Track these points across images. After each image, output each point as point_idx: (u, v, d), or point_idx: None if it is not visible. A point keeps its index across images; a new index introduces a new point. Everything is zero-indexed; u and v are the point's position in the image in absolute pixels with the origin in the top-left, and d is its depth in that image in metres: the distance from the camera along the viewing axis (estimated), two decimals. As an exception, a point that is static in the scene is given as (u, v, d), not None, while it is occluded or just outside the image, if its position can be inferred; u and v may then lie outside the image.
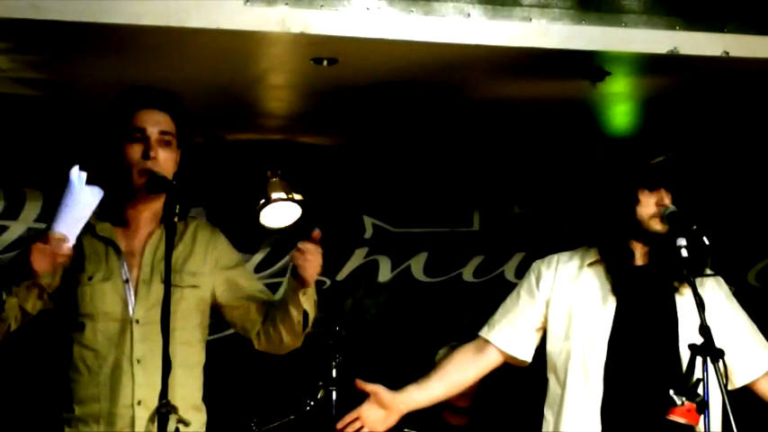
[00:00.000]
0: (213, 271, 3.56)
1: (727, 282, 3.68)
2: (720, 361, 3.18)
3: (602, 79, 4.22)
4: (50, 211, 3.25)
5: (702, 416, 3.22)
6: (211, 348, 3.61)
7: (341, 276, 5.85)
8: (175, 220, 3.30)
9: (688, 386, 3.21)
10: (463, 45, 3.82)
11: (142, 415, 3.37)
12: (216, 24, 3.64)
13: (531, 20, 3.82)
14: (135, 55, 3.95)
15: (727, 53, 3.93)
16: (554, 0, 3.84)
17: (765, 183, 5.79)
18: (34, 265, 3.22)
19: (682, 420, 3.20)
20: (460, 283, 5.96)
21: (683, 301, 3.51)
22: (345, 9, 3.71)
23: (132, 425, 3.38)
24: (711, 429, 3.26)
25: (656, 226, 3.53)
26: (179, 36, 3.71)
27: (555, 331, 3.61)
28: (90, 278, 3.44)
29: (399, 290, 5.92)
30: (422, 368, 3.76)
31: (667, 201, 3.53)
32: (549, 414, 3.61)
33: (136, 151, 3.42)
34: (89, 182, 3.25)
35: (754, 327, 3.67)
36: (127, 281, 3.45)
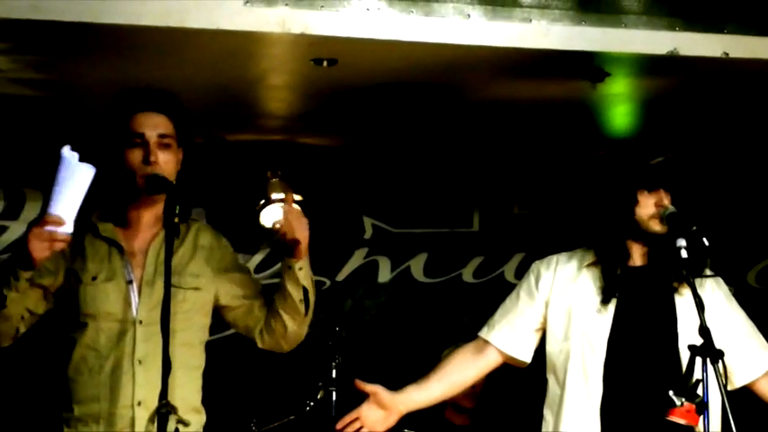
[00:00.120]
0: (215, 273, 3.56)
1: (727, 283, 3.68)
2: (720, 362, 3.18)
3: (602, 80, 4.23)
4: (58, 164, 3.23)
5: (702, 417, 3.22)
6: (212, 349, 3.61)
7: (341, 277, 5.85)
8: (176, 220, 3.30)
9: (687, 387, 3.21)
10: (463, 46, 3.82)
11: (142, 415, 3.37)
12: (216, 25, 3.64)
13: (531, 21, 3.82)
14: (135, 55, 3.95)
15: (727, 54, 3.93)
16: (554, 1, 3.84)
17: (765, 183, 5.79)
18: (33, 254, 3.20)
19: (681, 421, 3.20)
20: (460, 284, 5.96)
21: (683, 301, 3.51)
22: (345, 10, 3.71)
23: (132, 425, 3.37)
24: (711, 430, 3.26)
25: (656, 227, 3.53)
26: (179, 36, 3.71)
27: (554, 332, 3.61)
28: (94, 278, 3.44)
29: (399, 290, 5.92)
30: (421, 368, 3.76)
31: (666, 201, 3.53)
32: (548, 414, 3.61)
33: (136, 156, 3.41)
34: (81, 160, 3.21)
35: (754, 327, 3.67)
36: (130, 281, 3.45)
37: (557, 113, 4.81)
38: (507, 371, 3.75)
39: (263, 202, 5.58)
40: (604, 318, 3.53)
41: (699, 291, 3.32)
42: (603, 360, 3.50)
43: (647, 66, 4.12)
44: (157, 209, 3.45)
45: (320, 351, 4.80)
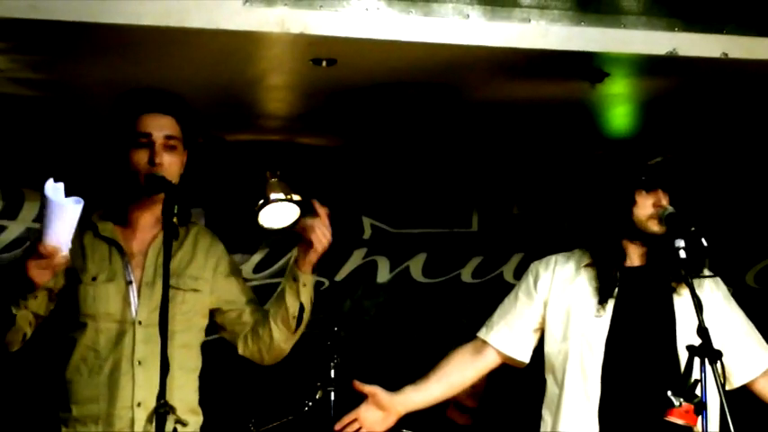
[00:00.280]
0: (212, 276, 3.56)
1: (726, 283, 3.69)
2: (718, 362, 3.19)
3: (601, 80, 4.22)
4: (43, 200, 3.20)
5: (700, 417, 3.22)
6: (211, 349, 3.61)
7: (339, 277, 5.85)
8: (174, 220, 3.30)
9: (686, 387, 3.22)
10: (462, 46, 3.82)
11: (141, 416, 3.37)
12: (215, 25, 3.63)
13: (530, 21, 3.82)
14: (134, 55, 3.95)
15: (726, 54, 3.93)
16: (553, 1, 3.84)
17: (764, 184, 5.79)
18: (35, 280, 3.20)
19: (680, 421, 3.20)
20: (459, 284, 5.96)
21: (681, 301, 3.51)
22: (344, 10, 3.71)
23: (132, 426, 3.37)
24: (709, 430, 3.27)
25: (654, 227, 3.53)
26: (178, 36, 3.71)
27: (553, 332, 3.61)
28: (94, 278, 3.44)
29: (398, 291, 5.92)
30: (420, 369, 3.76)
31: (665, 202, 3.53)
32: (546, 415, 3.61)
33: (142, 157, 3.41)
34: (66, 185, 3.16)
35: (753, 326, 3.67)
36: (130, 282, 3.45)
37: (556, 114, 4.81)
38: (509, 371, 3.75)
39: (261, 202, 5.58)
40: (603, 318, 3.54)
41: (697, 291, 3.33)
42: (602, 360, 3.50)
43: (646, 66, 4.12)
44: (158, 210, 3.44)
45: (319, 351, 4.81)
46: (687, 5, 3.91)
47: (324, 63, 4.03)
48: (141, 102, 3.46)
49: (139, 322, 3.42)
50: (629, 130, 5.04)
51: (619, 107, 4.78)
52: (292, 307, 3.47)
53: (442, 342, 4.93)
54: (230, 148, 5.42)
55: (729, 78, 4.22)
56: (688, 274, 3.37)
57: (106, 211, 3.53)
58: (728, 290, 3.69)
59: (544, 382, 3.64)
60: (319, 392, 4.88)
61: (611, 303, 3.54)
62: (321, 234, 3.42)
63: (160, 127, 3.43)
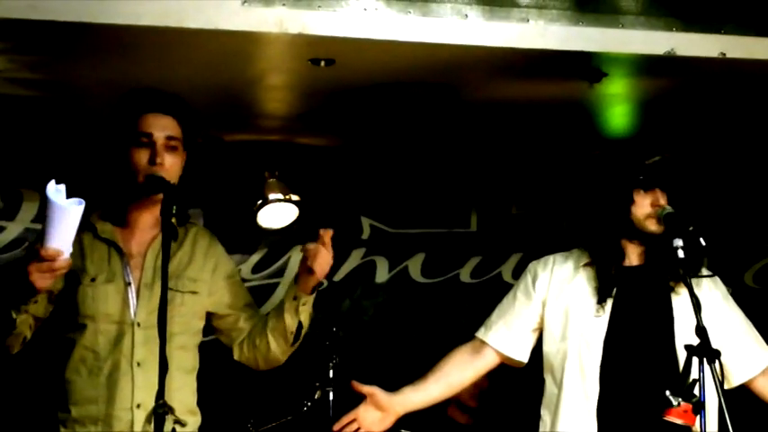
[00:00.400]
0: (211, 278, 3.56)
1: (725, 283, 3.69)
2: (716, 361, 3.19)
3: (599, 80, 4.22)
4: (45, 203, 3.19)
5: (698, 416, 3.23)
6: (209, 349, 3.61)
7: (338, 277, 5.84)
8: (173, 221, 3.30)
9: (684, 387, 3.22)
10: (461, 46, 3.82)
11: (141, 418, 3.38)
12: (214, 25, 3.63)
13: (528, 21, 3.82)
14: (133, 55, 3.95)
15: (725, 54, 3.93)
16: (551, 1, 3.84)
17: (762, 184, 5.79)
18: (36, 285, 3.19)
19: (678, 421, 3.21)
20: (458, 284, 5.96)
21: (680, 300, 3.52)
22: (343, 10, 3.71)
23: (131, 428, 3.38)
24: (707, 430, 3.27)
25: (652, 226, 3.53)
26: (177, 36, 3.71)
27: (551, 332, 3.61)
28: (93, 279, 3.44)
29: (397, 291, 5.91)
30: (419, 369, 3.76)
31: (663, 201, 3.54)
32: (545, 414, 3.62)
33: (142, 156, 3.41)
34: (68, 186, 3.15)
35: (751, 325, 3.68)
36: (129, 283, 3.45)
37: (554, 114, 4.81)
38: (508, 371, 3.75)
39: (260, 202, 5.58)
40: (601, 318, 3.54)
41: (696, 290, 3.33)
42: (600, 360, 3.51)
43: (645, 66, 4.12)
44: (157, 210, 3.44)
45: (318, 351, 4.80)
46: (686, 5, 3.91)
47: (322, 63, 4.03)
48: (143, 101, 3.47)
49: (138, 324, 3.42)
50: (628, 129, 5.04)
51: (617, 107, 4.78)
52: (291, 324, 3.48)
53: (441, 342, 4.93)
54: (229, 149, 5.42)
55: (728, 78, 4.22)
56: (686, 273, 3.37)
57: (105, 211, 3.53)
58: (727, 289, 3.69)
59: (543, 381, 3.64)
60: (318, 392, 4.88)
61: (609, 303, 3.55)
62: (324, 261, 3.42)
63: (162, 127, 3.44)
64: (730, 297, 3.68)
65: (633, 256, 3.60)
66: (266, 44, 3.88)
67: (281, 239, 5.71)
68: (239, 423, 4.91)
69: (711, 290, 3.61)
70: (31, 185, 5.42)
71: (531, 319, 3.66)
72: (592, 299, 3.57)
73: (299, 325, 3.48)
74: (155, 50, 3.90)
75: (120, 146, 3.43)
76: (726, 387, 3.40)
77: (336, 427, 3.61)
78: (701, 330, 3.23)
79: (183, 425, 3.29)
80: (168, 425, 3.17)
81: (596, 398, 3.50)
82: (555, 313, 3.61)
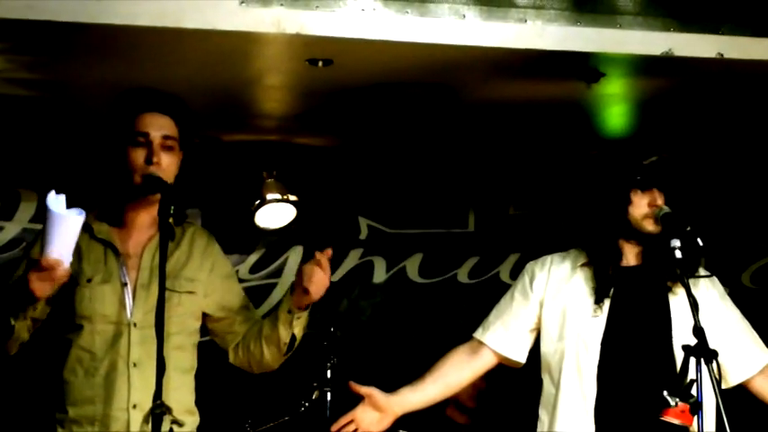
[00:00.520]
0: (208, 278, 3.56)
1: (722, 283, 3.69)
2: (714, 362, 3.19)
3: (597, 80, 4.23)
4: (45, 213, 3.21)
5: (696, 417, 3.23)
6: (206, 350, 3.60)
7: (336, 277, 5.83)
8: (170, 221, 3.30)
9: (682, 387, 3.22)
10: (458, 46, 3.82)
11: (137, 418, 3.38)
12: (211, 25, 3.63)
13: (526, 21, 3.82)
14: (131, 56, 3.95)
15: (722, 55, 3.93)
16: (549, 1, 3.84)
17: (760, 184, 5.79)
18: (36, 293, 3.21)
19: (675, 421, 3.21)
20: (456, 285, 5.96)
21: (677, 300, 3.52)
22: (341, 10, 3.71)
23: (128, 428, 3.37)
24: (705, 430, 3.27)
25: (649, 226, 3.53)
26: (175, 37, 3.71)
27: (549, 332, 3.61)
28: (89, 280, 3.44)
29: (394, 291, 5.91)
30: (417, 369, 3.76)
31: (660, 201, 3.54)
32: (543, 414, 3.62)
33: (139, 156, 3.41)
34: (69, 195, 3.16)
35: (748, 325, 3.68)
36: (125, 284, 3.45)
37: (552, 114, 4.81)
38: (506, 371, 3.75)
39: (258, 202, 5.58)
40: (598, 318, 3.54)
41: (693, 290, 3.33)
42: (598, 360, 3.51)
43: (642, 66, 4.12)
44: (153, 210, 3.45)
45: (315, 351, 4.80)
46: (683, 6, 3.92)
47: (320, 63, 4.03)
48: (140, 101, 3.47)
49: (134, 324, 3.42)
50: (626, 129, 5.04)
51: (615, 107, 4.79)
52: (284, 335, 3.48)
53: (439, 342, 4.93)
54: (227, 149, 5.41)
55: (725, 78, 4.23)
56: (684, 273, 3.37)
57: (101, 212, 3.53)
58: (725, 289, 3.69)
59: (541, 381, 3.64)
60: (316, 393, 4.88)
61: (606, 303, 3.55)
62: (320, 282, 3.39)
63: (158, 126, 3.44)
64: (727, 297, 3.68)
65: (630, 256, 3.60)
66: (264, 44, 3.88)
67: (279, 240, 5.71)
68: (237, 423, 4.90)
69: (709, 289, 3.61)
70: (28, 185, 5.41)
71: (528, 320, 3.66)
72: (589, 299, 3.57)
73: (293, 337, 3.48)
74: (152, 51, 3.90)
75: (117, 145, 3.43)
76: (723, 387, 3.41)
77: (334, 428, 3.61)
78: (698, 330, 3.23)
79: (180, 425, 3.28)
80: (165, 425, 3.16)
81: (594, 398, 3.50)
82: (552, 313, 3.61)
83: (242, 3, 3.62)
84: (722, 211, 5.75)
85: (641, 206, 3.54)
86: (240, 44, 3.83)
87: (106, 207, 3.53)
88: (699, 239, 3.39)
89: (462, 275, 5.97)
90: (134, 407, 3.38)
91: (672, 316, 3.52)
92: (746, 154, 5.50)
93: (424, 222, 5.93)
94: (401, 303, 5.90)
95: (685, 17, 3.91)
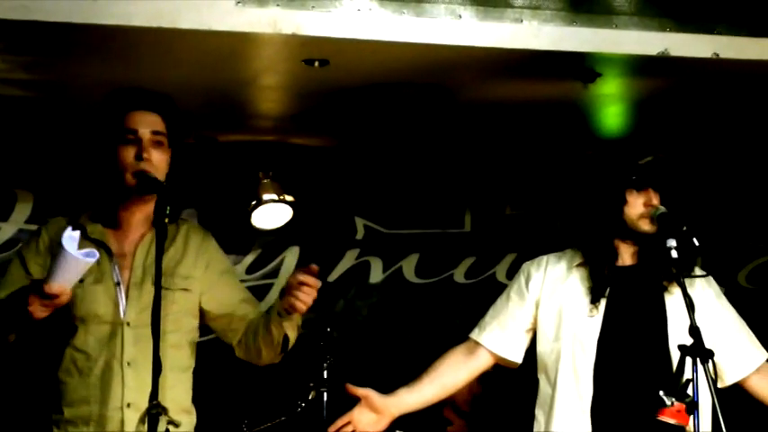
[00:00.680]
0: (204, 275, 3.55)
1: (718, 283, 3.69)
2: (710, 361, 3.19)
3: (593, 80, 4.23)
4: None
5: (692, 416, 3.23)
6: (202, 350, 3.60)
7: (332, 277, 5.84)
8: (166, 221, 3.30)
9: (678, 387, 3.22)
10: (455, 46, 3.82)
11: (132, 418, 3.37)
12: (207, 25, 3.63)
13: (522, 21, 3.82)
14: (126, 56, 3.95)
15: (718, 55, 3.94)
16: (545, 1, 3.84)
17: (756, 183, 5.80)
18: (34, 315, 3.22)
19: (671, 421, 3.21)
20: (452, 285, 5.96)
21: (673, 300, 3.52)
22: (337, 10, 3.71)
23: (122, 427, 3.37)
24: (701, 430, 3.27)
25: (645, 226, 3.53)
26: (170, 37, 3.71)
27: (545, 332, 3.61)
28: (81, 280, 3.43)
29: (391, 291, 5.92)
30: (414, 369, 3.76)
31: (656, 201, 3.54)
32: (539, 414, 3.61)
33: (129, 153, 3.42)
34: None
35: (744, 324, 3.68)
36: (118, 283, 3.45)
37: (548, 114, 4.82)
38: (502, 371, 3.75)
39: (254, 202, 5.58)
40: (594, 317, 3.54)
41: (689, 289, 3.33)
42: (594, 360, 3.50)
43: (638, 66, 4.13)
44: (147, 209, 3.44)
45: (312, 352, 4.80)
46: (679, 6, 3.92)
47: (316, 63, 4.03)
48: (128, 100, 3.47)
49: (128, 323, 3.42)
50: (622, 129, 5.04)
51: (611, 107, 4.79)
52: (277, 336, 3.47)
53: (435, 343, 4.93)
54: (223, 149, 5.42)
55: (721, 78, 4.23)
56: (680, 273, 3.37)
57: (95, 212, 3.53)
58: (720, 289, 3.70)
59: (537, 382, 3.64)
60: (312, 393, 4.88)
61: (602, 303, 3.55)
62: (307, 297, 3.37)
63: (147, 123, 3.44)
64: (723, 296, 3.68)
65: (626, 255, 3.60)
66: (260, 45, 3.88)
67: (276, 240, 5.71)
68: (233, 423, 4.90)
69: (704, 289, 3.61)
70: (24, 186, 5.41)
71: (524, 320, 3.66)
72: (585, 299, 3.57)
73: (285, 338, 3.48)
74: (148, 51, 3.90)
75: (107, 145, 3.44)
76: (719, 386, 3.41)
77: (331, 429, 3.60)
78: (694, 330, 3.23)
79: (176, 425, 3.28)
80: (162, 425, 3.16)
81: (590, 398, 3.50)
82: (548, 313, 3.61)
83: (238, 3, 3.62)
84: (718, 211, 5.75)
85: (637, 206, 3.54)
86: (236, 44, 3.83)
87: (100, 208, 3.52)
88: (694, 239, 3.39)
89: (459, 275, 5.98)
90: (128, 406, 3.37)
91: (668, 316, 3.52)
92: (742, 154, 5.51)
93: (420, 222, 5.94)
94: (398, 303, 5.90)
95: (681, 17, 3.91)
